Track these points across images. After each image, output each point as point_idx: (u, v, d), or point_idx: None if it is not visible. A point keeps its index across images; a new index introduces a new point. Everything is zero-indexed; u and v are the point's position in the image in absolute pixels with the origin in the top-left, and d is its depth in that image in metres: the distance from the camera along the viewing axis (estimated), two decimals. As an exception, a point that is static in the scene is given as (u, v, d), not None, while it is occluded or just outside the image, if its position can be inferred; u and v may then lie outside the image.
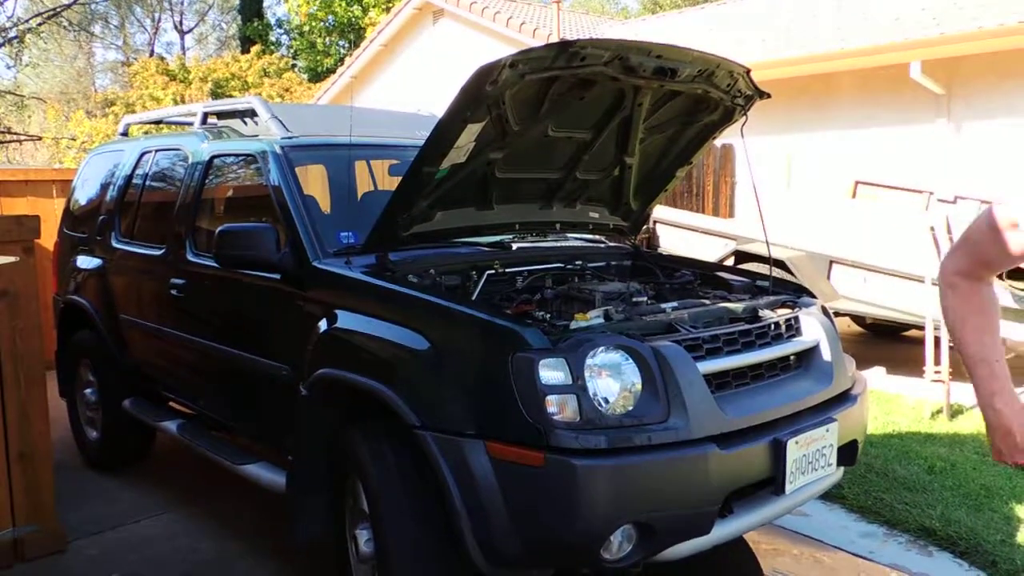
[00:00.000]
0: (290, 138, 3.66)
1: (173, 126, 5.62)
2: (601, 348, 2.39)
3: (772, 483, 2.57)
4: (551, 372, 2.33)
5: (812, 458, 2.66)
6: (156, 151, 4.54)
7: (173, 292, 3.91)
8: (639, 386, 2.39)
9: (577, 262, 3.61)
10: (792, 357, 2.97)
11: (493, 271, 3.29)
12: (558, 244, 3.78)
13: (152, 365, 4.31)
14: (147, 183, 4.51)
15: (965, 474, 4.25)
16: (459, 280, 3.18)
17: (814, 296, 3.39)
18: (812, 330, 3.02)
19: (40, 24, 27.84)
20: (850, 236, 6.28)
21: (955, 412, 5.34)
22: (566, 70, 2.73)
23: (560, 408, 2.32)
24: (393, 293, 2.76)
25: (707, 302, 3.05)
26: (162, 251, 4.10)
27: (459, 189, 3.11)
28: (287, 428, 3.12)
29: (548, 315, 2.73)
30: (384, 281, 2.84)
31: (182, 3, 35.02)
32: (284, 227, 3.28)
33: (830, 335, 3.02)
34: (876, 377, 6.25)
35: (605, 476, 2.27)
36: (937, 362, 5.36)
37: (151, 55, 30.62)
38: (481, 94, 2.59)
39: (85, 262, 4.86)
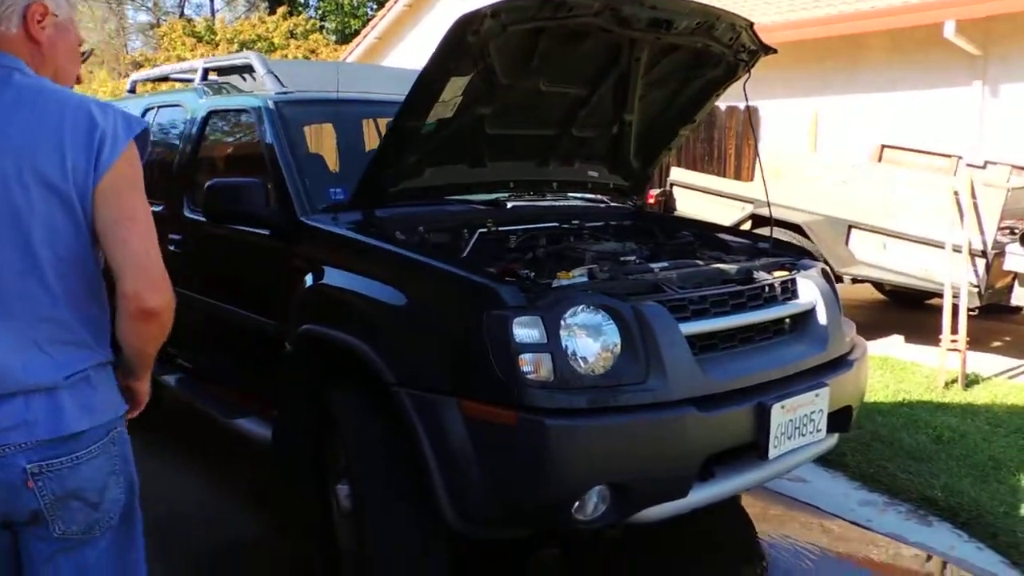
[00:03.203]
0: (284, 93, 3.61)
1: (179, 83, 5.59)
2: (579, 307, 2.34)
3: (756, 447, 2.51)
4: (526, 330, 2.27)
5: (799, 423, 2.59)
6: (158, 107, 4.52)
7: (171, 248, 3.91)
8: (618, 346, 2.33)
9: (574, 221, 3.53)
10: (787, 320, 2.89)
11: (485, 229, 3.23)
12: (556, 203, 3.71)
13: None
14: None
15: (974, 445, 4.14)
16: (449, 238, 3.13)
17: (816, 259, 3.29)
18: (809, 293, 2.93)
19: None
20: (871, 201, 6.09)
21: (970, 382, 5.20)
22: (553, 20, 2.63)
23: (535, 367, 2.27)
24: (373, 248, 2.72)
25: (701, 263, 2.97)
26: (161, 207, 4.10)
27: (449, 145, 3.05)
28: (274, 384, 3.11)
29: (533, 273, 2.68)
30: (367, 236, 2.80)
31: (212, -36, 34.99)
32: (274, 182, 3.25)
33: (828, 299, 2.93)
34: (893, 345, 6.12)
35: (578, 436, 2.22)
36: (954, 331, 5.22)
37: (180, 17, 30.67)
38: (463, 45, 2.51)
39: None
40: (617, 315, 2.35)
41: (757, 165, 7.61)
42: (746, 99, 3.21)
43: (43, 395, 1.46)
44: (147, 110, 4.61)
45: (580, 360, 2.30)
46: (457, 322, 2.39)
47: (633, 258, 2.95)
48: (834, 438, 2.92)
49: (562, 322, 2.29)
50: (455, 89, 2.74)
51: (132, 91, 5.28)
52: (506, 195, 3.51)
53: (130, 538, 1.64)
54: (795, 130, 9.04)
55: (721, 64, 3.27)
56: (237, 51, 20.15)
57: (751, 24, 3.07)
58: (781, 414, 2.51)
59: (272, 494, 3.75)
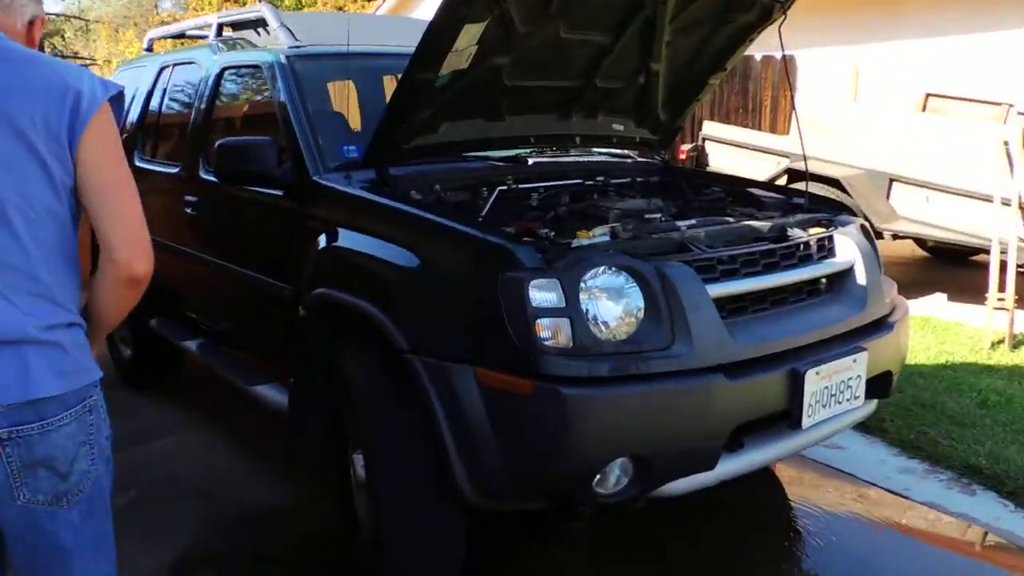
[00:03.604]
0: (297, 47, 3.47)
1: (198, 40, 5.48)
2: (600, 268, 2.20)
3: (788, 416, 2.37)
4: (543, 293, 2.15)
5: (835, 390, 2.44)
6: (173, 66, 4.42)
7: (188, 210, 3.83)
8: (641, 310, 2.20)
9: (599, 178, 3.38)
10: (823, 280, 2.73)
11: (505, 187, 3.09)
12: (580, 159, 3.55)
13: (174, 284, 4.28)
14: (165, 99, 4.41)
15: (1022, 409, 3.95)
16: (466, 196, 3.00)
17: (855, 214, 3.11)
18: (847, 251, 2.75)
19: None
20: (914, 153, 5.81)
21: (1018, 342, 4.97)
22: (572, -40, 2.46)
23: (553, 333, 2.15)
24: (385, 208, 2.60)
25: (731, 220, 2.81)
26: (177, 169, 4.02)
27: (465, 98, 2.89)
28: (290, 349, 3.03)
29: (552, 232, 2.54)
30: (379, 196, 2.68)
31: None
32: (286, 140, 3.14)
33: (867, 257, 2.75)
34: (935, 304, 5.89)
35: (598, 406, 2.10)
36: (1002, 288, 4.98)
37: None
38: (474, -12, 2.35)
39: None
40: (640, 277, 2.21)
41: (793, 117, 7.34)
42: (782, 46, 3.00)
43: (11, 352, 1.41)
44: (162, 68, 4.52)
45: (601, 325, 2.17)
46: (471, 285, 2.27)
47: (659, 216, 2.79)
48: (872, 404, 2.77)
49: (581, 284, 2.16)
50: (469, 38, 2.59)
51: (149, 49, 5.17)
52: (528, 151, 3.36)
53: (100, 511, 1.58)
54: (835, 80, 8.69)
55: (754, 7, 3.07)
56: (294, 10, 19.96)
57: (787, -38, 2.86)
58: (816, 381, 2.36)
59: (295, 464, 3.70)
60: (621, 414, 2.13)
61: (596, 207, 2.95)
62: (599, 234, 2.46)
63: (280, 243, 3.15)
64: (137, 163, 4.49)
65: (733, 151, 6.84)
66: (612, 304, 2.19)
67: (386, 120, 2.73)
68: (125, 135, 4.67)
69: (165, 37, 5.17)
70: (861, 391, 2.54)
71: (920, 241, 6.75)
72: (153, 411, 4.45)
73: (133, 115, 4.67)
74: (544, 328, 2.14)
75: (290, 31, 3.62)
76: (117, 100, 1.52)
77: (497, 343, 2.18)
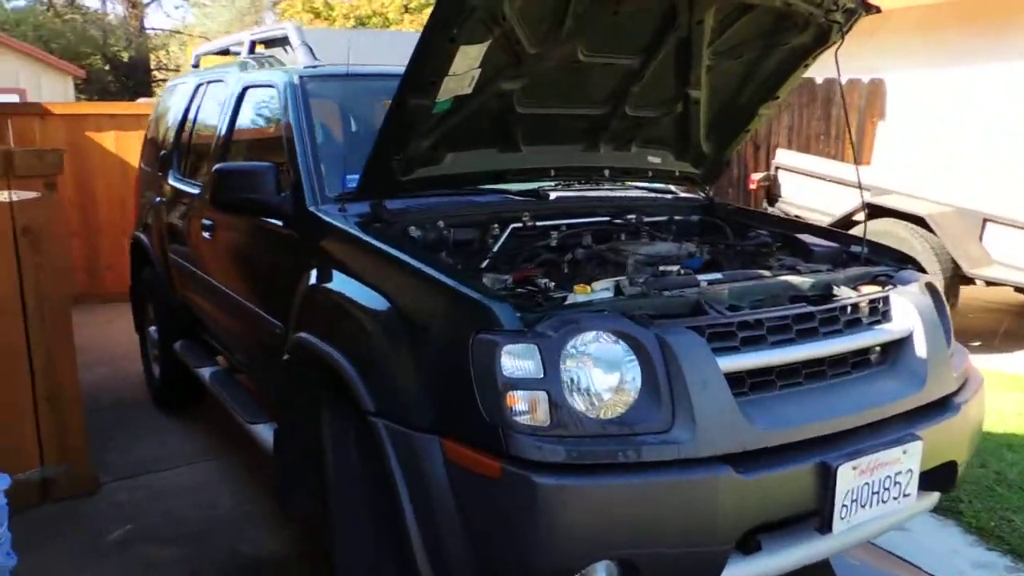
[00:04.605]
0: (313, 67, 3.27)
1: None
2: (589, 334, 1.87)
3: (818, 517, 1.98)
4: (518, 361, 1.83)
5: (879, 488, 2.03)
6: (207, 83, 4.31)
7: (205, 234, 3.68)
8: (635, 385, 1.86)
9: (629, 216, 3.03)
10: (876, 350, 2.31)
11: (520, 224, 2.79)
12: (611, 194, 3.21)
13: (193, 307, 4.15)
14: (198, 117, 4.30)
15: None
16: (474, 234, 2.71)
17: (923, 269, 2.67)
18: (905, 316, 2.33)
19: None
20: (1014, 189, 5.21)
21: None
22: (581, -26, 2.14)
23: (530, 407, 1.83)
24: (364, 246, 2.35)
25: (767, 274, 2.42)
26: (199, 190, 3.88)
27: (472, 126, 2.62)
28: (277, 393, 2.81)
29: (551, 283, 2.22)
30: (362, 232, 2.42)
31: (338, -61, 35.44)
32: (290, 165, 2.93)
33: (930, 324, 2.32)
34: (1032, 360, 5.25)
35: (576, 498, 1.77)
36: (1111, 348, 4.36)
37: (303, -8, 31.27)
38: (462, 4, 2.06)
39: (150, 198, 4.77)
40: (636, 345, 1.87)
41: (885, 144, 6.78)
42: (838, 71, 2.61)
43: None
44: (199, 85, 4.43)
45: (586, 401, 1.84)
46: (443, 344, 1.98)
47: (676, 268, 2.43)
48: (931, 499, 2.33)
49: (563, 352, 1.83)
50: (469, 60, 2.30)
51: (196, 65, 5.11)
52: (552, 183, 3.04)
53: None
54: (931, 105, 8.02)
55: (809, 27, 2.68)
56: (352, 27, 20.28)
57: (847, -24, 2.47)
58: (853, 477, 1.96)
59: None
60: (604, 509, 1.79)
61: (617, 252, 2.62)
62: (600, 289, 2.13)
63: (277, 277, 2.93)
64: (171, 181, 4.40)
65: (808, 181, 6.33)
66: (601, 377, 1.85)
67: (377, 149, 2.47)
68: (163, 151, 4.60)
69: (209, 53, 5.09)
70: (913, 488, 2.11)
71: (1020, 288, 6.07)
72: (178, 437, 4.33)
73: (170, 132, 4.60)
74: (519, 401, 1.83)
75: (310, 49, 3.43)
76: None
77: (466, 414, 1.88)
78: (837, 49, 2.65)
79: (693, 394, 1.84)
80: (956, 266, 5.12)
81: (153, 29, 28.67)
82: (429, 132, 2.51)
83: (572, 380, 1.84)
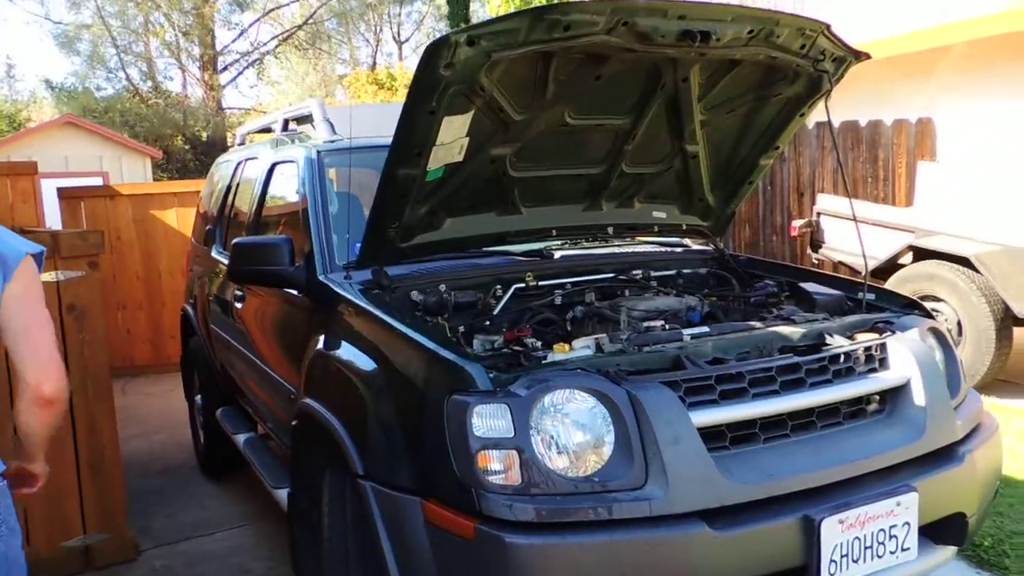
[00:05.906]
0: (331, 142, 3.43)
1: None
2: (558, 391, 1.90)
3: (804, 572, 1.92)
4: (489, 420, 1.87)
5: (871, 542, 1.96)
6: (246, 160, 4.54)
7: (237, 304, 3.85)
8: (607, 442, 1.87)
9: (635, 272, 3.05)
10: (874, 399, 2.26)
11: (523, 284, 2.84)
12: (619, 250, 3.23)
13: (232, 375, 4.31)
14: (237, 192, 4.53)
15: None
16: (476, 296, 2.77)
17: (929, 314, 2.60)
18: (903, 363, 2.27)
19: (276, 46, 30.85)
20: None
21: None
22: (553, 43, 2.22)
23: (504, 466, 1.86)
24: (358, 310, 2.43)
25: (758, 324, 2.40)
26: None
27: (468, 192, 2.71)
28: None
29: (539, 344, 2.26)
30: (358, 297, 2.51)
31: (399, 14, 37.03)
32: (304, 236, 3.06)
33: (929, 370, 2.25)
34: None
35: (544, 557, 1.78)
36: None
37: (373, 67, 32.61)
38: (436, 79, 2.17)
39: (197, 272, 5.01)
40: (607, 401, 1.88)
41: (929, 184, 6.61)
42: (828, 115, 2.61)
43: None
44: (239, 163, 4.66)
45: (558, 459, 1.86)
46: (422, 405, 2.03)
47: (662, 323, 2.43)
48: (945, 552, 2.23)
49: (533, 411, 1.86)
50: (455, 130, 2.40)
51: (242, 143, 5.38)
52: (557, 243, 3.09)
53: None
54: (985, 144, 7.80)
55: (800, 78, 2.70)
56: None
57: (827, 26, 2.49)
58: (840, 531, 1.91)
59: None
60: (576, 568, 1.79)
61: (616, 309, 2.64)
62: (581, 347, 2.15)
63: (294, 344, 3.04)
64: (214, 254, 4.62)
65: (851, 226, 6.19)
66: (572, 434, 1.88)
67: (373, 218, 2.57)
68: (208, 226, 4.85)
69: (252, 131, 5.37)
70: (912, 542, 2.04)
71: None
72: (219, 503, 4.44)
73: (214, 207, 4.84)
74: (492, 460, 1.86)
75: (331, 124, 3.60)
76: (38, 255, 1.78)
77: (443, 474, 1.91)
78: (828, 98, 2.66)
79: (664, 449, 1.84)
80: (1007, 307, 4.91)
81: (230, 108, 30.20)
82: (424, 200, 2.60)
83: (543, 438, 1.86)
